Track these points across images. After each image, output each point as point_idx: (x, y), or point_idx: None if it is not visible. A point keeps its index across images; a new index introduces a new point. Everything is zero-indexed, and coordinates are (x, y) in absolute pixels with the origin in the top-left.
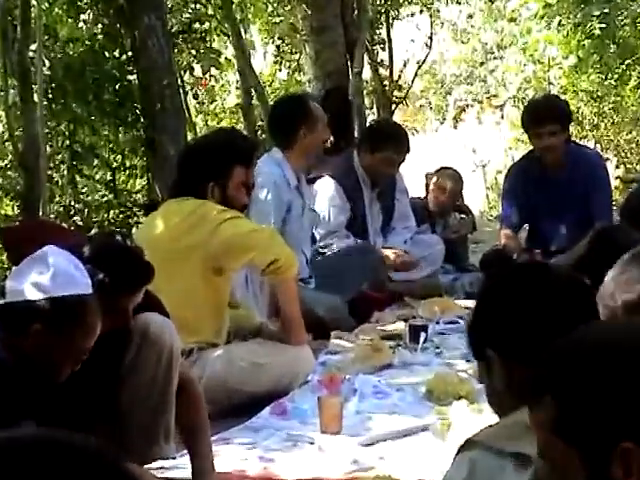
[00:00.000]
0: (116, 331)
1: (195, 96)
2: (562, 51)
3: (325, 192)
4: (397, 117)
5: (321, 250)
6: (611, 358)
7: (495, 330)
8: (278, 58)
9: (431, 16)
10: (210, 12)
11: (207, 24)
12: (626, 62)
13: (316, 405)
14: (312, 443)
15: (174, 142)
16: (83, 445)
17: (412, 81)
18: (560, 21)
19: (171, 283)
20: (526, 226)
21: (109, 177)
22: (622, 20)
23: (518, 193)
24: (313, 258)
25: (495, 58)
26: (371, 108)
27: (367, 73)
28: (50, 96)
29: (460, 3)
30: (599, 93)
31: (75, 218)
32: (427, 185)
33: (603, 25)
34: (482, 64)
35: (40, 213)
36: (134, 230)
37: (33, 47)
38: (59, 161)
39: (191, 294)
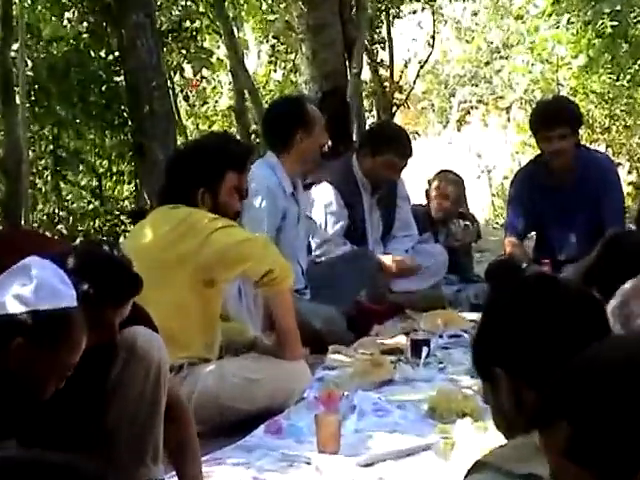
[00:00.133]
0: (102, 346)
1: (185, 98)
2: (571, 50)
3: (321, 199)
4: (398, 120)
5: (317, 260)
6: (628, 377)
7: (504, 347)
8: (273, 58)
9: (434, 14)
10: (201, 10)
11: (198, 22)
12: (639, 62)
13: (313, 423)
14: (309, 463)
15: (163, 147)
16: (67, 466)
17: (414, 82)
18: (569, 19)
19: (160, 295)
20: (533, 234)
21: (95, 183)
22: (635, 17)
23: (524, 200)
24: (308, 268)
25: (501, 58)
26: (370, 111)
27: (366, 74)
28: (33, 98)
29: (464, 0)
30: (610, 95)
31: (59, 227)
32: (427, 191)
33: (615, 23)
34: (487, 64)
35: (22, 222)
36: (121, 239)
37: (15, 47)
38: (42, 167)
39: (181, 307)
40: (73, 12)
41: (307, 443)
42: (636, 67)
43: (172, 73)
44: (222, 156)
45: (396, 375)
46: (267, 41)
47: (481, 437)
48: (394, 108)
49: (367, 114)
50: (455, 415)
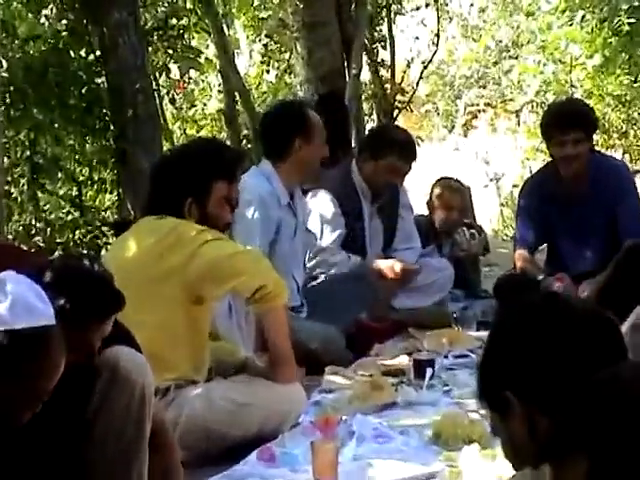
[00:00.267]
0: (81, 367)
1: (172, 101)
2: (586, 50)
3: (317, 206)
4: (400, 124)
5: (312, 272)
6: None
7: (516, 369)
8: (265, 58)
9: (438, 10)
10: (189, 6)
11: (185, 20)
12: None
13: (308, 450)
14: None
15: (148, 153)
16: None
17: (417, 84)
18: (584, 16)
19: (144, 313)
20: (544, 247)
21: (75, 192)
22: None
23: (534, 210)
24: (305, 284)
25: (510, 57)
26: (370, 114)
27: (366, 75)
28: (8, 101)
29: None
30: (628, 97)
31: (36, 239)
32: (429, 200)
33: (632, 20)
34: (496, 64)
35: None
36: (102, 252)
37: None
38: (18, 174)
39: (167, 325)
40: (51, 9)
41: (302, 472)
42: None
43: (157, 74)
44: (211, 164)
45: (398, 398)
46: (259, 40)
47: (489, 465)
48: (396, 111)
49: (367, 118)
50: (461, 441)
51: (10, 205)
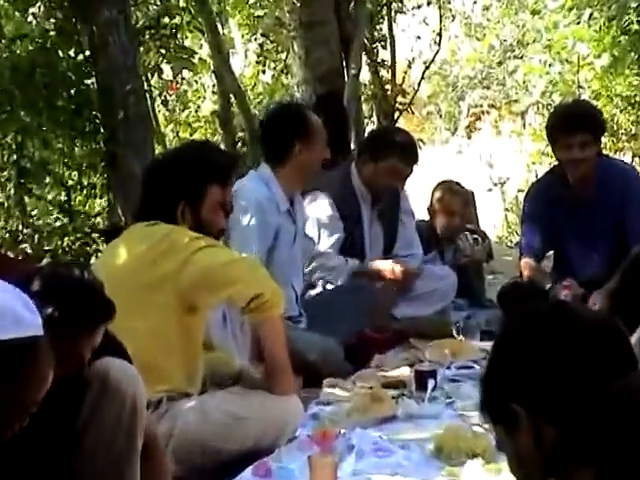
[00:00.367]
0: (70, 379)
1: (164, 103)
2: (594, 49)
3: (314, 209)
4: (401, 126)
5: (310, 278)
6: None
7: (524, 381)
8: (261, 58)
9: (440, 8)
10: (182, 4)
11: (178, 18)
12: None
13: (306, 465)
14: None
15: (139, 157)
16: None
17: (418, 84)
18: (592, 14)
19: (135, 322)
20: (551, 254)
21: (63, 198)
22: None
23: (540, 216)
24: (303, 292)
25: (515, 57)
26: (370, 116)
27: (365, 75)
28: None
29: None
30: (637, 98)
31: (23, 246)
32: (430, 206)
33: None
34: (500, 64)
35: None
36: (92, 260)
37: None
38: (4, 179)
39: (159, 335)
40: (39, 7)
41: None
42: None
43: (149, 75)
44: (204, 168)
45: (399, 411)
46: (255, 39)
47: None
48: (396, 113)
49: (366, 120)
50: (464, 456)
51: None
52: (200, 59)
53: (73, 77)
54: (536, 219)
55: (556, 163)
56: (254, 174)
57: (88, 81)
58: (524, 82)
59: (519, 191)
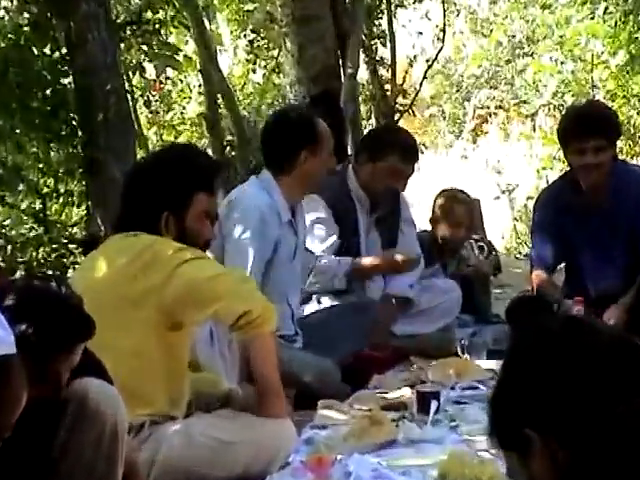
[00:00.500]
0: (46, 401)
1: (147, 104)
2: (609, 46)
3: (308, 213)
4: None
5: (308, 298)
6: None
7: (538, 404)
8: (251, 56)
9: (444, 2)
10: None
11: (162, 13)
12: None
13: None
14: None
15: (120, 162)
16: None
17: (420, 84)
18: (607, 8)
19: (116, 340)
20: (562, 266)
21: (38, 206)
22: None
23: (551, 225)
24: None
25: (525, 55)
26: (368, 118)
27: (363, 74)
28: None
29: None
30: None
31: None
32: (433, 214)
33: None
34: (508, 62)
35: None
36: (70, 273)
37: None
38: None
39: (141, 354)
40: (11, 0)
41: None
42: None
43: (131, 74)
44: (190, 174)
45: (399, 435)
46: (245, 35)
47: None
48: (397, 115)
49: (364, 122)
50: None
51: None
52: (185, 57)
53: (49, 76)
54: (546, 228)
55: (568, 168)
56: (255, 181)
57: (65, 80)
58: (534, 82)
59: (529, 199)
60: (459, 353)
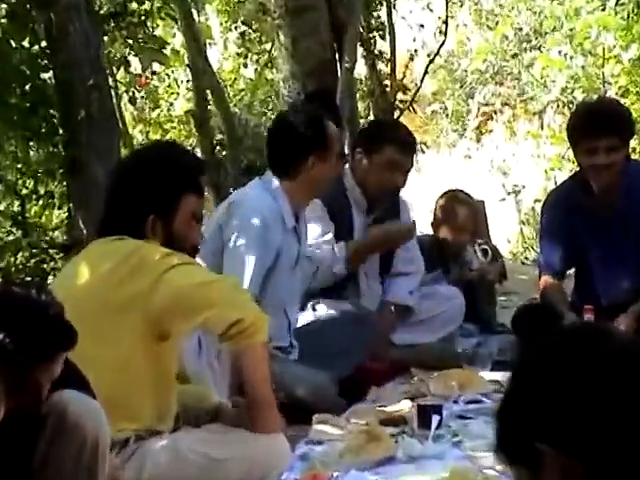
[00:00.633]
0: (25, 413)
1: (132, 100)
2: (621, 39)
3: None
4: None
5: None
6: None
7: (552, 416)
8: (243, 49)
9: None
10: None
11: (147, 4)
12: None
13: None
14: None
15: (104, 162)
16: None
17: (422, 80)
18: None
19: (99, 350)
20: (572, 272)
21: (17, 208)
22: None
23: (559, 228)
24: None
25: (532, 48)
26: (367, 116)
27: (361, 69)
28: None
29: None
30: None
31: None
32: (435, 217)
33: None
34: (515, 56)
35: None
36: (50, 279)
37: None
38: None
39: (126, 365)
40: None
41: None
42: None
43: (115, 68)
44: (177, 174)
45: (399, 451)
46: (235, 28)
47: None
48: (396, 112)
49: (362, 120)
50: None
51: None
52: (173, 50)
53: (27, 71)
54: (555, 231)
55: (578, 169)
56: (259, 183)
57: (45, 75)
58: (542, 77)
59: (536, 201)
60: (462, 364)
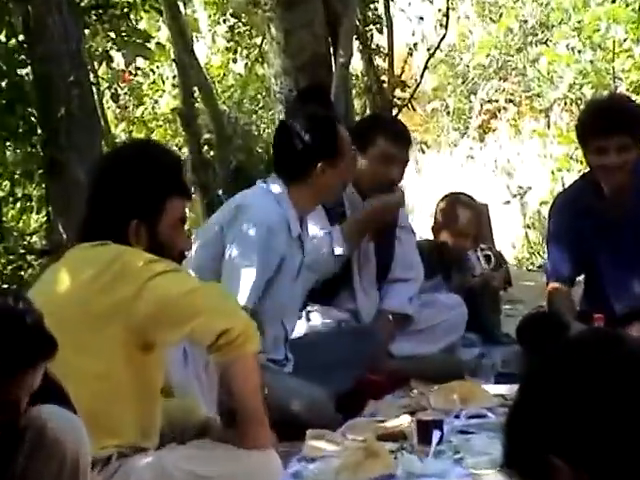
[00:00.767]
0: (1, 428)
1: (115, 97)
2: (632, 32)
3: None
4: None
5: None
6: None
7: (567, 427)
8: (232, 43)
9: None
10: None
11: None
12: None
13: None
14: None
15: (84, 163)
16: None
17: (421, 76)
18: None
19: (80, 362)
20: (581, 278)
21: None
22: None
23: (568, 232)
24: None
25: (538, 42)
26: (363, 113)
27: (357, 64)
28: None
29: None
30: None
31: None
32: (435, 221)
33: None
34: (520, 51)
35: None
36: (29, 287)
37: None
38: None
39: (108, 377)
40: None
41: None
42: None
43: (96, 64)
44: (162, 175)
45: (398, 469)
46: (224, 21)
47: None
48: (395, 110)
49: (358, 118)
50: None
51: None
52: (158, 45)
53: (4, 66)
54: (563, 235)
55: (587, 170)
56: (264, 189)
57: (22, 71)
58: (548, 72)
59: (542, 204)
60: (464, 376)
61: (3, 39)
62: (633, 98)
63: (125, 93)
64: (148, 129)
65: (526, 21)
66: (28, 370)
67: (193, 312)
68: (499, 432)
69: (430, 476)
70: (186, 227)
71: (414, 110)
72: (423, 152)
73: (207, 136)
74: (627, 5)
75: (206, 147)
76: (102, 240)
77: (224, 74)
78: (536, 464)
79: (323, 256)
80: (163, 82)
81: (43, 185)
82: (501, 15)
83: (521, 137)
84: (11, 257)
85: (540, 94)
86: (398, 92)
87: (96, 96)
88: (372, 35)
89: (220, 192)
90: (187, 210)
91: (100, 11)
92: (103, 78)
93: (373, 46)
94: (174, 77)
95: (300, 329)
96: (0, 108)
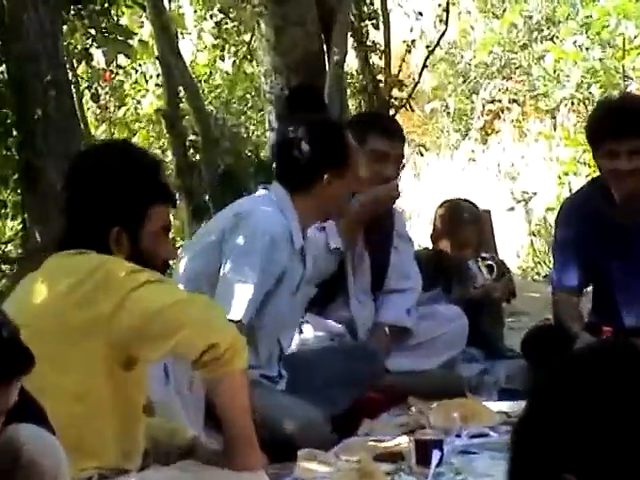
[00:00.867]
0: None
1: (95, 98)
2: None
3: None
4: None
5: None
6: None
7: (578, 445)
8: (219, 40)
9: None
10: None
11: None
12: None
13: None
14: None
15: (62, 167)
16: None
17: (420, 74)
18: None
19: (57, 378)
20: (589, 289)
21: None
22: None
23: (574, 236)
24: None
25: (544, 39)
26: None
27: (352, 62)
28: None
29: None
30: None
31: None
32: (434, 229)
33: None
34: (524, 48)
35: None
36: (4, 298)
37: None
38: None
39: (87, 395)
40: None
41: None
42: None
43: (75, 62)
44: (143, 179)
45: None
46: (211, 17)
47: None
48: (392, 110)
49: None
50: None
51: None
52: (140, 42)
53: None
54: (570, 244)
55: (597, 174)
56: (268, 197)
57: None
58: (555, 71)
59: (548, 210)
60: (466, 393)
61: None
62: None
63: (106, 93)
64: (130, 131)
65: (531, 16)
66: (2, 386)
67: (178, 325)
68: (503, 452)
69: None
70: (171, 235)
71: (412, 111)
72: (422, 155)
73: (193, 138)
74: (637, 0)
75: (192, 150)
76: (82, 248)
77: (211, 73)
78: None
79: (320, 253)
80: (146, 81)
81: (18, 190)
82: (504, 10)
83: (526, 139)
84: None
85: (546, 94)
86: (395, 92)
87: (75, 96)
88: (368, 31)
89: (207, 197)
90: (171, 217)
91: (79, 6)
92: (82, 77)
93: (369, 43)
94: (158, 76)
95: (292, 342)
96: None
